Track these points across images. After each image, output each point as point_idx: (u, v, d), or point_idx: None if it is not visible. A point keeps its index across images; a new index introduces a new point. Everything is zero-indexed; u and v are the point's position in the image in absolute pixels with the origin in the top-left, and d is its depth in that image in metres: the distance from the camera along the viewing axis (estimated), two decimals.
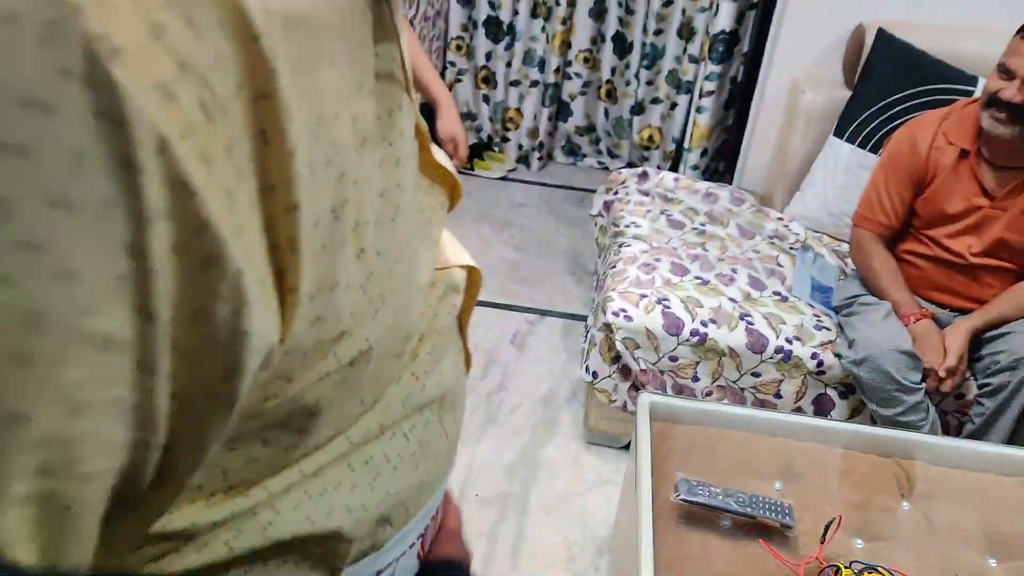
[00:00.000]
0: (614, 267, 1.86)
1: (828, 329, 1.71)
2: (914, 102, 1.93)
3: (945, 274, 1.66)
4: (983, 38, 1.94)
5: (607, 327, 1.69)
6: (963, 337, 1.54)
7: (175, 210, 0.23)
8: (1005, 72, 1.48)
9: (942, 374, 1.50)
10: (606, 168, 3.24)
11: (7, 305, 0.22)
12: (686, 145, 2.69)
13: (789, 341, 1.67)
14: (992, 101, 1.50)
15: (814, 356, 1.66)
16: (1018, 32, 1.48)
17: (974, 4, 2.05)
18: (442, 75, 2.98)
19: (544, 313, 2.36)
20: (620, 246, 1.94)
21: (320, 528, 0.38)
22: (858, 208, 1.75)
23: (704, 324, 1.69)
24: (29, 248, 0.22)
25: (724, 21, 2.46)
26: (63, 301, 0.23)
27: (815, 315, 1.75)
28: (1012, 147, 1.53)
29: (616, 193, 2.21)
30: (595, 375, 1.75)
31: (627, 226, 2.02)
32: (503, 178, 3.14)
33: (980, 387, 1.55)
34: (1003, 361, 1.48)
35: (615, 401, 1.77)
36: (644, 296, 1.72)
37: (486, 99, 3.16)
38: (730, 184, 2.38)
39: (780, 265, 1.91)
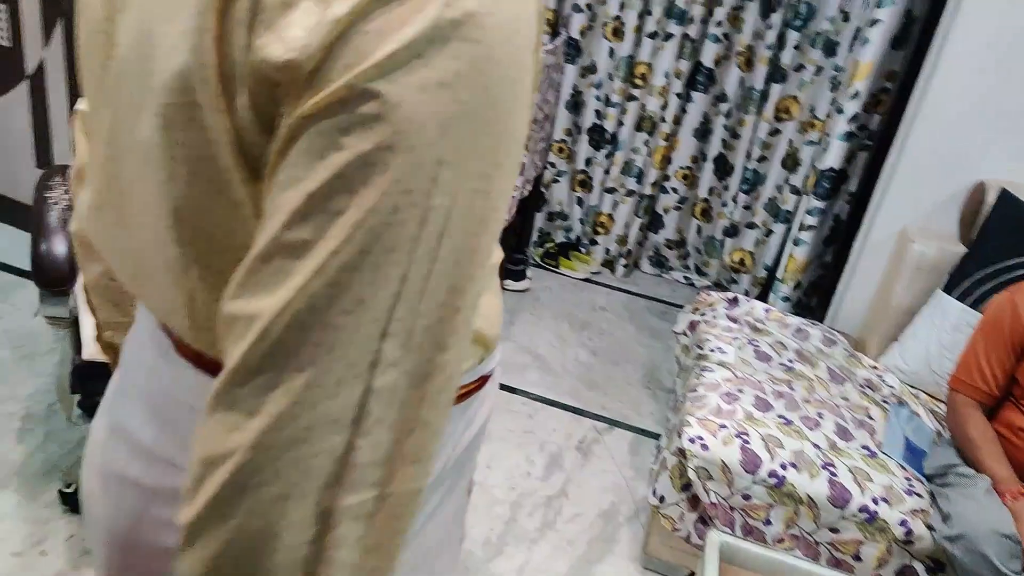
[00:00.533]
0: (695, 391, 1.80)
1: (920, 496, 1.59)
2: None
3: None
4: None
5: (681, 452, 1.62)
6: None
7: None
8: None
9: None
10: (692, 284, 3.20)
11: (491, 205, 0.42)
12: (779, 275, 2.63)
13: (876, 501, 1.56)
14: None
15: (903, 523, 1.54)
16: None
17: None
18: (541, 175, 3.04)
19: (614, 423, 2.29)
20: (703, 370, 1.88)
21: None
22: (956, 371, 1.68)
23: (783, 467, 1.60)
24: (515, 169, 0.42)
25: (833, 159, 2.43)
26: (501, 214, 0.43)
27: (907, 477, 1.64)
28: None
29: (703, 314, 2.16)
30: (662, 499, 1.67)
31: (712, 350, 1.96)
32: (587, 280, 3.13)
33: None
34: None
35: (679, 530, 1.68)
36: (723, 427, 1.65)
37: (580, 202, 3.20)
38: (822, 323, 2.31)
39: (871, 417, 1.81)
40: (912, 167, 2.13)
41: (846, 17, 2.60)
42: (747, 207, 3.00)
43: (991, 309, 1.67)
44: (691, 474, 1.61)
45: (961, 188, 2.08)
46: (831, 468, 1.61)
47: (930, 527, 1.51)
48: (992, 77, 1.98)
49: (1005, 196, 1.93)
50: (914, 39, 2.44)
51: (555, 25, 2.93)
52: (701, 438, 1.62)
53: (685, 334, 2.20)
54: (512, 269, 2.96)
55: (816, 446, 1.66)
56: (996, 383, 1.61)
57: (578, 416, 2.28)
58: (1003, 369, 1.60)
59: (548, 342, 2.67)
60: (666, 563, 1.75)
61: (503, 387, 2.35)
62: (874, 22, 2.26)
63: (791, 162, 2.86)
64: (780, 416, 1.74)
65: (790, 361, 1.97)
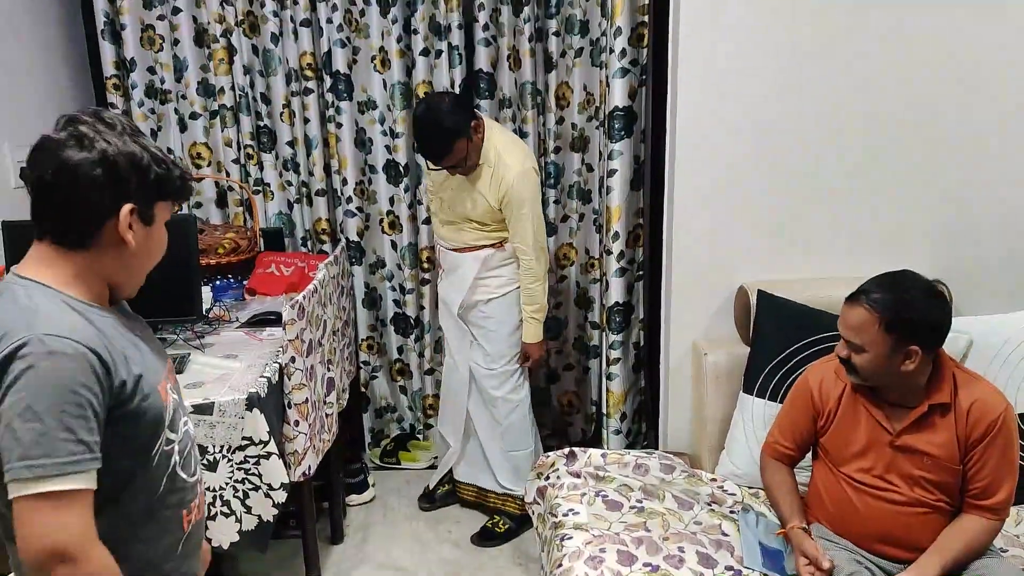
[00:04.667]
0: (560, 565, 1.78)
1: None
2: (811, 350, 2.05)
3: (880, 518, 1.66)
4: (851, 285, 2.14)
5: None
6: None
7: None
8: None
9: None
10: None
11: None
12: (604, 411, 2.74)
13: None
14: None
15: None
16: (845, 301, 1.66)
17: (830, 258, 2.29)
18: (357, 377, 3.01)
19: None
20: (562, 539, 1.87)
21: None
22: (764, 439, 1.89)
23: None
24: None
25: (616, 293, 2.63)
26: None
27: None
28: (894, 385, 1.64)
29: (547, 478, 2.18)
30: None
31: (565, 515, 1.96)
32: (431, 467, 3.07)
33: None
34: None
35: None
36: None
37: (403, 390, 3.19)
38: (656, 447, 2.40)
39: (725, 534, 1.88)
40: (682, 288, 2.35)
41: (590, 168, 2.90)
42: (558, 351, 3.13)
43: (794, 387, 1.88)
44: None
45: (728, 295, 2.32)
46: None
47: None
48: (724, 195, 2.26)
49: (762, 295, 2.16)
50: (647, 179, 2.76)
51: (332, 233, 3.01)
52: None
53: (536, 502, 2.20)
54: (351, 483, 2.85)
55: None
56: (794, 439, 1.83)
57: None
58: (799, 427, 1.81)
59: (407, 550, 2.55)
60: None
61: None
62: (612, 172, 2.54)
63: (583, 301, 3.05)
64: (646, 564, 1.76)
65: (639, 501, 2.02)
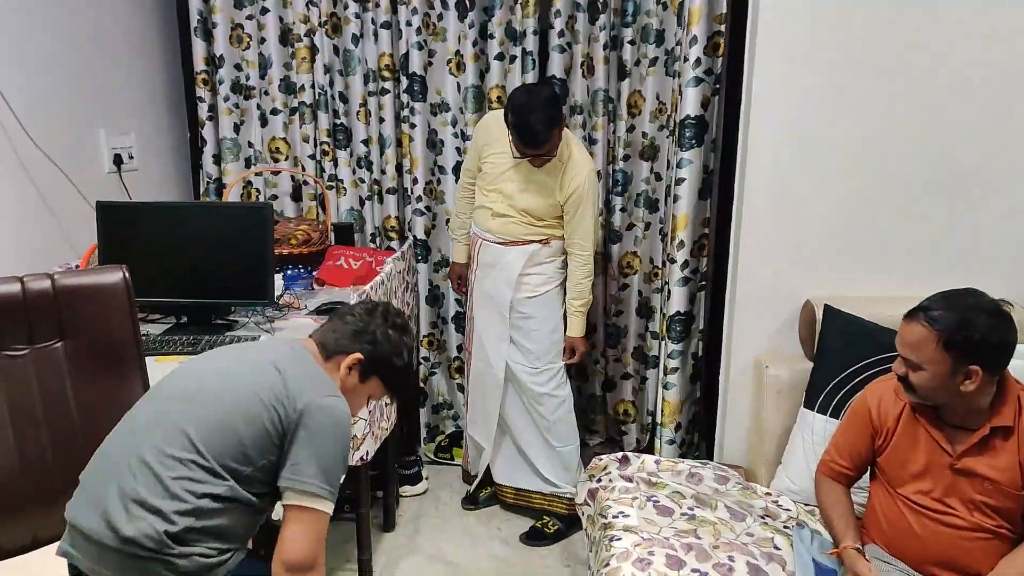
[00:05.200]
0: (607, 565, 1.79)
1: None
2: (876, 369, 2.01)
3: (938, 541, 1.62)
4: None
5: None
6: None
7: None
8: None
9: None
10: (586, 444, 3.24)
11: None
12: (659, 420, 2.72)
13: None
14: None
15: None
16: (904, 317, 1.62)
17: (900, 276, 2.23)
18: (416, 371, 3.07)
19: None
20: (611, 540, 1.88)
21: None
22: (820, 458, 1.86)
23: None
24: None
25: (677, 303, 2.62)
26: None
27: None
28: (955, 406, 1.60)
29: (599, 480, 2.19)
30: None
31: (615, 517, 1.97)
32: None
33: None
34: None
35: None
36: None
37: (460, 388, 3.23)
38: (711, 459, 2.38)
39: (777, 548, 1.85)
40: (747, 300, 2.33)
41: (658, 177, 2.90)
42: (617, 359, 3.13)
43: (851, 405, 1.85)
44: None
45: (793, 310, 2.28)
46: None
47: None
48: (794, 207, 2.24)
49: (829, 311, 2.13)
50: (715, 189, 2.75)
51: (400, 230, 3.08)
52: None
53: (587, 503, 2.20)
54: (406, 474, 2.90)
55: None
56: (851, 459, 1.79)
57: None
58: (856, 448, 1.77)
59: (457, 544, 2.59)
60: None
61: None
62: (680, 180, 2.54)
63: (644, 310, 3.04)
64: (694, 570, 1.75)
65: (690, 509, 2.01)
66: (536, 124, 2.33)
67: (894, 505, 1.69)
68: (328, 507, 1.35)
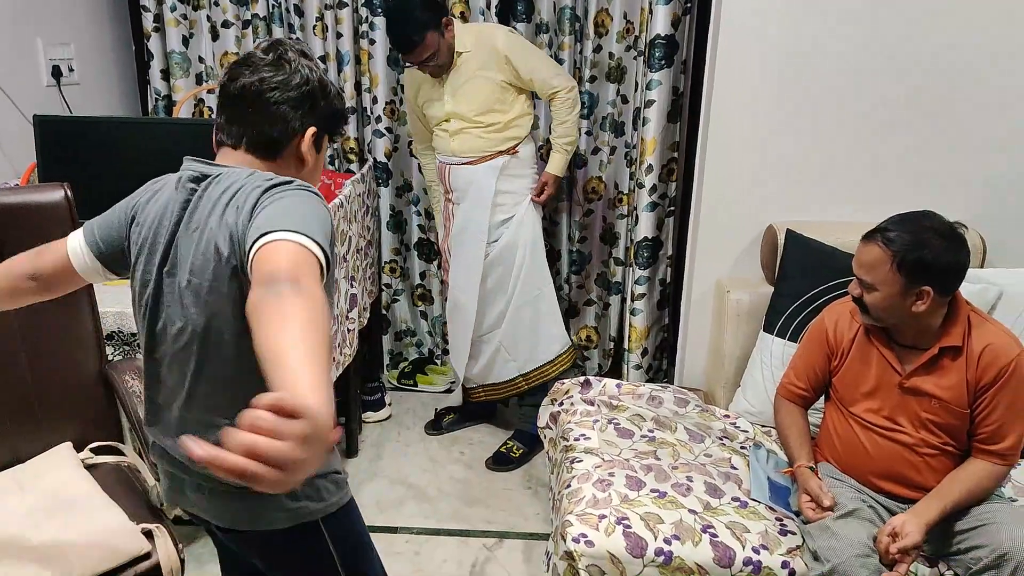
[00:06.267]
0: (568, 486, 1.81)
1: (794, 533, 1.66)
2: (835, 293, 2.02)
3: (886, 457, 1.66)
4: None
5: (569, 555, 1.61)
6: (921, 527, 1.49)
7: None
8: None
9: (893, 551, 1.47)
10: None
11: None
12: (626, 346, 2.74)
13: (756, 551, 1.61)
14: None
15: (784, 564, 1.59)
16: (862, 238, 1.62)
17: (864, 203, 2.23)
18: (378, 298, 3.04)
19: (503, 535, 2.25)
20: (572, 462, 1.90)
21: None
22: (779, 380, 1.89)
23: (667, 541, 1.62)
24: None
25: (645, 229, 2.60)
26: None
27: (778, 519, 1.71)
28: (906, 326, 1.62)
29: (561, 404, 2.20)
30: None
31: (577, 439, 1.99)
32: (447, 391, 3.11)
33: None
34: (985, 558, 1.45)
35: None
36: (603, 517, 1.66)
37: (424, 315, 3.21)
38: (673, 383, 2.41)
39: (734, 467, 1.89)
40: (711, 224, 2.32)
41: (625, 100, 2.84)
42: (580, 286, 3.12)
43: (810, 327, 1.87)
44: (583, 575, 1.59)
45: (756, 235, 2.28)
46: (711, 530, 1.65)
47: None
48: (761, 132, 2.20)
49: (791, 235, 2.13)
50: (685, 111, 2.70)
51: (360, 152, 2.99)
52: (584, 535, 1.62)
53: (549, 427, 2.22)
54: (369, 400, 2.90)
55: (692, 511, 1.71)
56: (808, 381, 1.81)
57: (465, 538, 2.23)
58: (814, 371, 1.80)
59: (420, 467, 2.61)
60: None
61: (383, 529, 2.26)
62: (649, 103, 2.48)
63: (609, 236, 3.02)
64: (653, 490, 1.78)
65: (650, 431, 2.03)
66: (406, 27, 2.31)
67: (846, 423, 1.73)
68: (315, 249, 0.95)
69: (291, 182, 1.06)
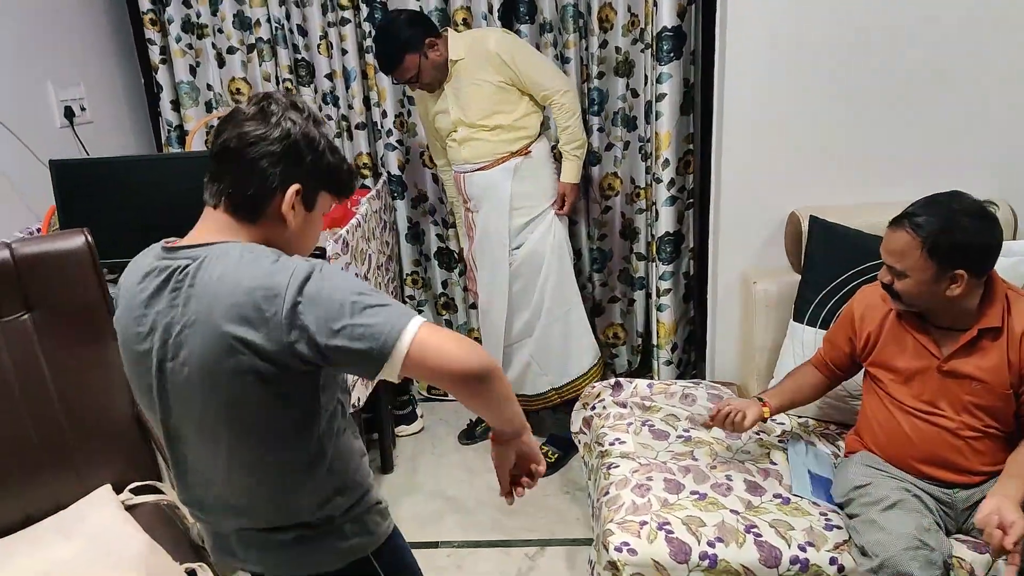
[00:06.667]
0: (607, 493, 1.79)
1: (839, 527, 1.63)
2: (864, 278, 1.98)
3: (929, 441, 1.62)
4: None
5: (612, 565, 1.60)
6: (1018, 510, 1.39)
7: None
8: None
9: (1008, 545, 1.36)
10: None
11: None
12: (655, 342, 2.71)
13: (802, 548, 1.59)
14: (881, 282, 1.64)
15: (832, 561, 1.57)
16: (889, 225, 1.58)
17: (887, 183, 2.18)
18: None
19: (544, 543, 2.24)
20: (609, 467, 1.88)
21: None
22: None
23: (711, 544, 1.60)
24: None
25: (665, 223, 2.57)
26: None
27: (822, 513, 1.68)
28: (941, 310, 1.58)
29: (593, 408, 2.18)
30: None
31: (612, 444, 1.97)
32: None
33: None
34: None
35: None
36: (644, 523, 1.64)
37: (448, 323, 3.20)
38: (703, 377, 2.38)
39: (774, 463, 1.86)
40: (732, 215, 2.28)
41: (635, 93, 2.80)
42: (604, 283, 3.09)
43: (843, 309, 1.86)
44: None
45: (779, 223, 2.24)
46: (754, 530, 1.63)
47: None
48: (776, 118, 2.16)
49: (815, 221, 2.09)
50: (697, 102, 2.66)
51: (374, 167, 2.99)
52: (627, 544, 1.60)
53: (582, 431, 2.20)
54: (400, 414, 2.90)
55: (734, 512, 1.68)
56: (830, 356, 1.82)
57: (506, 549, 2.22)
58: (838, 347, 1.80)
59: (456, 479, 2.60)
60: None
61: (424, 545, 2.25)
62: (661, 96, 2.45)
63: (628, 232, 2.99)
64: (693, 492, 1.76)
65: (685, 431, 2.01)
66: (385, 47, 2.32)
67: (885, 409, 1.69)
68: (412, 315, 0.98)
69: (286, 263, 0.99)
